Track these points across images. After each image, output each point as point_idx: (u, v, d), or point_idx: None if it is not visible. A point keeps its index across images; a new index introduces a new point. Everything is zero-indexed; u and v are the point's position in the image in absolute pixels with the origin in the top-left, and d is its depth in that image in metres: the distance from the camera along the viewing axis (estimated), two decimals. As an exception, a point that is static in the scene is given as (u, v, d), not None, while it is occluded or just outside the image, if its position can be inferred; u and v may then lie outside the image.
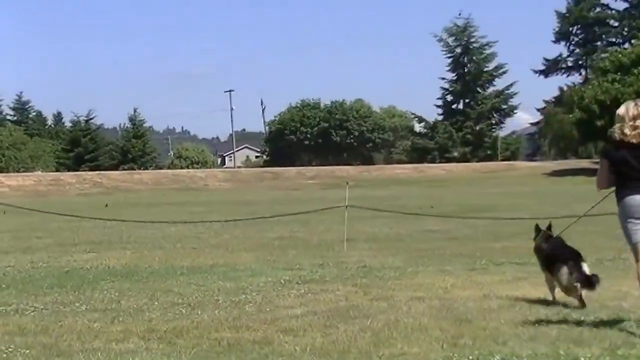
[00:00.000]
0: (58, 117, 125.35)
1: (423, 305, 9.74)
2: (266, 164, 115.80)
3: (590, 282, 9.30)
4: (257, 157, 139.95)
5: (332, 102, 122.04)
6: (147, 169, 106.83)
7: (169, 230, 23.14)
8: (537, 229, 10.44)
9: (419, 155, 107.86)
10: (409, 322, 8.67)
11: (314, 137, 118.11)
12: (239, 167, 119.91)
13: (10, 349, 7.69)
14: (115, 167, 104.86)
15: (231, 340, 7.98)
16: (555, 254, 9.83)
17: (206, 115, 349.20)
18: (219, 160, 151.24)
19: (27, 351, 7.64)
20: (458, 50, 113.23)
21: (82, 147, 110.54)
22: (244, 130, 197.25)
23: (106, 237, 21.74)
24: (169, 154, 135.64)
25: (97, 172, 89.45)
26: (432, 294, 10.63)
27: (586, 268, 9.47)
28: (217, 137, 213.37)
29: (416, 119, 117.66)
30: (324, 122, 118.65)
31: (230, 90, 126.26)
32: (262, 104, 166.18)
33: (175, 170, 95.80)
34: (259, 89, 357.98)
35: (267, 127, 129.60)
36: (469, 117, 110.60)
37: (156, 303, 10.33)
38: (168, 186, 76.66)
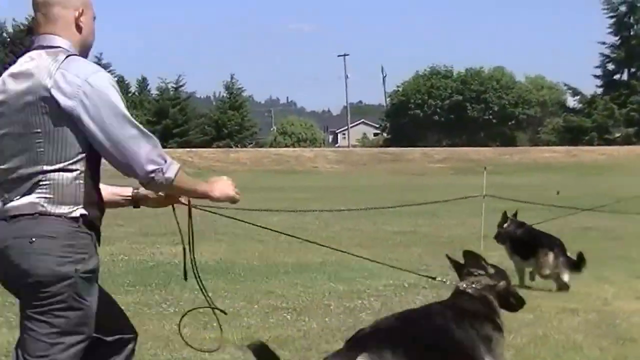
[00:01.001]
0: (143, 83, 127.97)
1: (577, 319, 9.59)
2: (386, 143, 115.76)
3: (576, 266, 11.92)
4: (375, 134, 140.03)
5: (466, 69, 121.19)
6: (245, 146, 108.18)
7: (270, 219, 23.36)
8: (505, 216, 12.92)
9: (572, 136, 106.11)
10: (560, 339, 8.54)
11: (444, 112, 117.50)
12: (353, 146, 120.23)
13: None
14: (208, 144, 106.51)
15: (344, 355, 7.99)
16: (533, 240, 12.36)
17: (315, 84, 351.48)
18: (330, 137, 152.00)
19: None
20: (622, 8, 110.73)
21: (170, 119, 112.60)
22: (360, 102, 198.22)
23: (197, 226, 22.03)
24: (272, 129, 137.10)
25: (187, 149, 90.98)
26: (588, 306, 10.45)
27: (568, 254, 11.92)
28: (329, 110, 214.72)
29: (570, 91, 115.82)
30: (457, 93, 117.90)
31: (344, 55, 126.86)
32: (382, 72, 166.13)
33: (278, 149, 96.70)
34: (379, 53, 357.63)
35: (388, 99, 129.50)
36: (635, 91, 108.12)
37: (255, 307, 10.44)
38: (269, 167, 77.56)
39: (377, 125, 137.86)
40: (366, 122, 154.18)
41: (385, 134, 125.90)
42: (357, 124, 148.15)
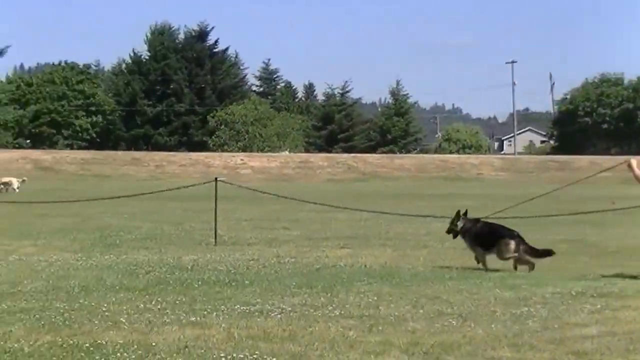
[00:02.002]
0: (309, 89, 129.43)
1: None
2: (553, 151, 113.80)
3: (538, 252, 14.79)
4: (542, 142, 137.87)
5: (638, 77, 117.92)
6: (409, 152, 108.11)
7: (434, 225, 23.24)
8: (458, 214, 15.39)
9: None
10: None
11: (613, 120, 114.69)
12: (519, 153, 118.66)
13: (254, 356, 8.02)
14: (372, 149, 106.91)
15: (510, 362, 7.92)
16: (494, 232, 15.00)
17: (481, 92, 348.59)
18: (496, 144, 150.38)
19: (274, 359, 7.93)
20: None
21: (335, 125, 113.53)
22: (527, 109, 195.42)
23: (362, 231, 22.22)
24: (437, 135, 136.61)
25: (352, 154, 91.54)
26: None
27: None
28: (494, 117, 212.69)
29: None
30: (627, 101, 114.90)
31: (512, 62, 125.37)
32: (550, 79, 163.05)
33: (443, 155, 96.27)
34: (547, 60, 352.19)
35: (555, 107, 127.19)
36: None
37: (420, 311, 10.42)
38: (433, 174, 77.28)
39: (544, 133, 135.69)
40: (533, 129, 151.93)
41: (552, 142, 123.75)
42: (523, 132, 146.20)
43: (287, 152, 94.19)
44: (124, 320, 9.57)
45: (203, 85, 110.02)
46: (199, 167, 75.84)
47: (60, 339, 8.56)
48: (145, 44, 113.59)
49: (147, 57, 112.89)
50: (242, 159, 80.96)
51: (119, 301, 10.82)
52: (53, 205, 27.91)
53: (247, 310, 10.37)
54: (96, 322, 9.49)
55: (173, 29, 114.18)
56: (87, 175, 70.83)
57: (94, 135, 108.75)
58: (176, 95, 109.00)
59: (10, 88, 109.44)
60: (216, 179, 20.11)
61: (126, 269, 14.00)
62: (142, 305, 10.51)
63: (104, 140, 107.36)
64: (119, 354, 7.97)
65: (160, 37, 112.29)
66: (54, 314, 9.90)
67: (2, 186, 43.25)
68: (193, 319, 9.77)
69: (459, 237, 15.48)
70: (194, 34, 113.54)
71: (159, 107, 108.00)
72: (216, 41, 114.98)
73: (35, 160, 74.69)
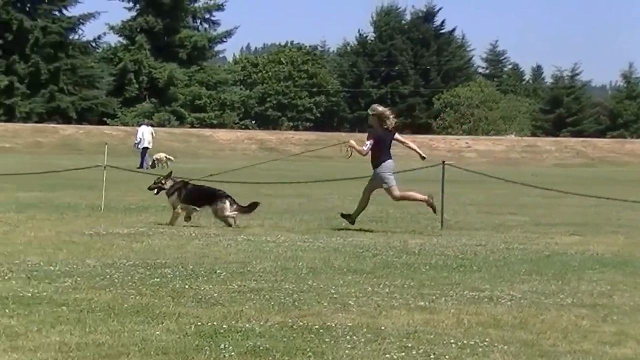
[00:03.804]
0: (537, 71, 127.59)
1: None
2: None
3: (250, 208, 17.30)
4: None
5: None
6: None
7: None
8: (167, 176, 17.77)
9: None
10: None
11: None
12: None
13: (485, 343, 7.96)
14: (601, 134, 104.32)
15: None
16: (209, 193, 17.39)
17: None
18: None
19: (505, 347, 7.84)
20: None
21: (563, 108, 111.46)
22: None
23: (591, 217, 21.72)
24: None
25: (581, 138, 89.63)
26: None
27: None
28: None
29: None
30: None
31: None
32: None
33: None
34: None
35: None
36: None
37: (658, 302, 10.11)
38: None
39: None
40: None
41: None
42: None
43: (513, 136, 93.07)
44: (352, 303, 9.68)
45: (428, 67, 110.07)
46: (423, 150, 75.66)
47: (290, 320, 8.74)
48: (371, 25, 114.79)
49: (372, 39, 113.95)
50: (466, 142, 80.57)
51: (347, 283, 10.95)
52: (278, 186, 28.55)
53: (476, 296, 10.30)
54: (325, 304, 9.63)
55: (399, 9, 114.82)
56: (311, 156, 72.08)
57: (318, 115, 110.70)
58: (401, 77, 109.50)
59: (236, 69, 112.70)
60: (443, 162, 20.04)
61: (353, 251, 14.15)
62: (369, 289, 10.60)
63: (328, 121, 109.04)
64: (348, 337, 8.06)
65: (387, 17, 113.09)
66: (283, 294, 10.11)
67: (156, 161, 47.39)
68: (421, 303, 9.78)
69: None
70: (420, 14, 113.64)
71: (384, 89, 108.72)
72: (443, 22, 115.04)
73: (260, 140, 76.59)
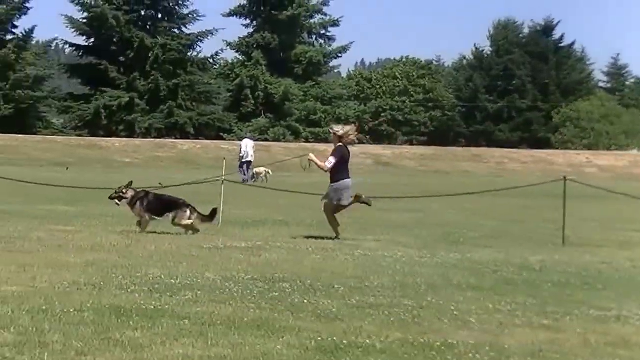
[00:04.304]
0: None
1: None
2: None
3: (211, 217, 17.71)
4: None
5: None
6: None
7: None
8: (127, 186, 18.08)
9: None
10: None
11: None
12: None
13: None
14: None
15: None
16: (170, 202, 17.91)
17: None
18: None
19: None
20: None
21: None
22: None
23: None
24: None
25: None
26: None
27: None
28: None
29: None
30: None
31: None
32: None
33: None
34: None
35: None
36: None
37: None
38: None
39: None
40: None
41: None
42: None
43: (636, 151, 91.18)
44: (473, 320, 9.55)
45: (547, 81, 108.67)
46: (540, 165, 74.94)
47: (410, 337, 8.66)
48: (488, 39, 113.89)
49: (489, 53, 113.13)
50: (587, 157, 79.26)
51: (467, 300, 10.81)
52: (394, 200, 28.45)
53: (603, 316, 10.07)
54: (445, 321, 9.52)
55: (517, 23, 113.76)
56: (427, 170, 71.77)
57: (433, 129, 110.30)
58: (519, 91, 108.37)
59: (351, 84, 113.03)
60: (565, 177, 19.70)
61: (472, 267, 13.99)
62: (491, 306, 10.44)
63: (443, 136, 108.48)
64: (471, 355, 7.95)
65: (504, 32, 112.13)
66: (403, 311, 10.03)
67: (256, 175, 47.38)
68: (545, 321, 9.59)
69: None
70: (538, 28, 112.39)
71: (501, 103, 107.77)
72: (562, 36, 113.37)
73: (375, 155, 76.50)
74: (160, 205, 17.87)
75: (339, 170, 17.78)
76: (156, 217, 17.80)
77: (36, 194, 28.22)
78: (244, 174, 46.68)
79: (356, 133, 18.34)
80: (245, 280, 11.88)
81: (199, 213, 17.68)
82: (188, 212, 17.51)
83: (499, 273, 13.42)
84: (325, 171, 17.85)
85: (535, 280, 12.73)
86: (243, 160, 48.43)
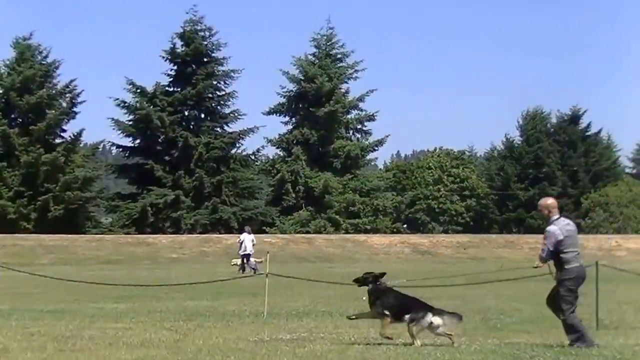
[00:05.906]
0: None
1: None
2: None
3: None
4: None
5: None
6: None
7: None
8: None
9: None
10: None
11: None
12: None
13: None
14: None
15: None
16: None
17: None
18: None
19: None
20: None
21: None
22: None
23: None
24: None
25: None
26: None
27: None
28: None
29: None
30: None
31: None
32: None
33: None
34: None
35: None
36: None
37: None
38: None
39: None
40: None
41: None
42: None
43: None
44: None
45: (576, 168, 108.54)
46: (573, 250, 74.26)
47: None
48: (517, 129, 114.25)
49: (519, 142, 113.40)
50: (616, 241, 78.65)
51: (506, 386, 10.75)
52: (433, 288, 28.31)
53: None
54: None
55: (545, 113, 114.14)
56: (464, 257, 71.47)
57: (468, 219, 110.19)
58: (548, 179, 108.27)
59: (388, 175, 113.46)
60: (597, 262, 19.60)
61: (510, 353, 13.89)
62: (529, 391, 10.38)
63: (478, 223, 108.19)
64: None
65: (533, 121, 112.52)
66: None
67: (256, 266, 46.95)
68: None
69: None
70: (565, 117, 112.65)
71: (531, 191, 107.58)
72: (589, 124, 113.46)
73: (413, 244, 76.32)
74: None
75: None
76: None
77: (87, 292, 28.39)
78: (254, 266, 47.26)
79: None
80: (291, 371, 11.87)
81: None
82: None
83: (536, 358, 13.32)
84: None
85: (572, 364, 12.62)
86: (242, 254, 49.37)
